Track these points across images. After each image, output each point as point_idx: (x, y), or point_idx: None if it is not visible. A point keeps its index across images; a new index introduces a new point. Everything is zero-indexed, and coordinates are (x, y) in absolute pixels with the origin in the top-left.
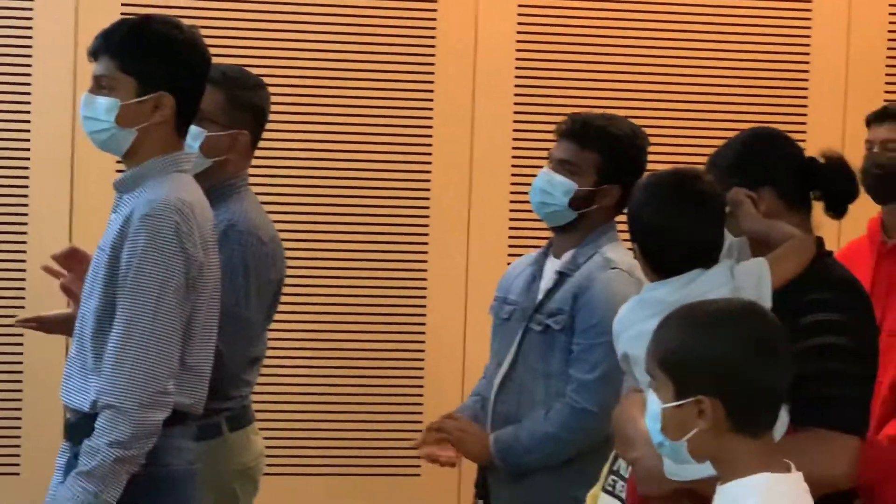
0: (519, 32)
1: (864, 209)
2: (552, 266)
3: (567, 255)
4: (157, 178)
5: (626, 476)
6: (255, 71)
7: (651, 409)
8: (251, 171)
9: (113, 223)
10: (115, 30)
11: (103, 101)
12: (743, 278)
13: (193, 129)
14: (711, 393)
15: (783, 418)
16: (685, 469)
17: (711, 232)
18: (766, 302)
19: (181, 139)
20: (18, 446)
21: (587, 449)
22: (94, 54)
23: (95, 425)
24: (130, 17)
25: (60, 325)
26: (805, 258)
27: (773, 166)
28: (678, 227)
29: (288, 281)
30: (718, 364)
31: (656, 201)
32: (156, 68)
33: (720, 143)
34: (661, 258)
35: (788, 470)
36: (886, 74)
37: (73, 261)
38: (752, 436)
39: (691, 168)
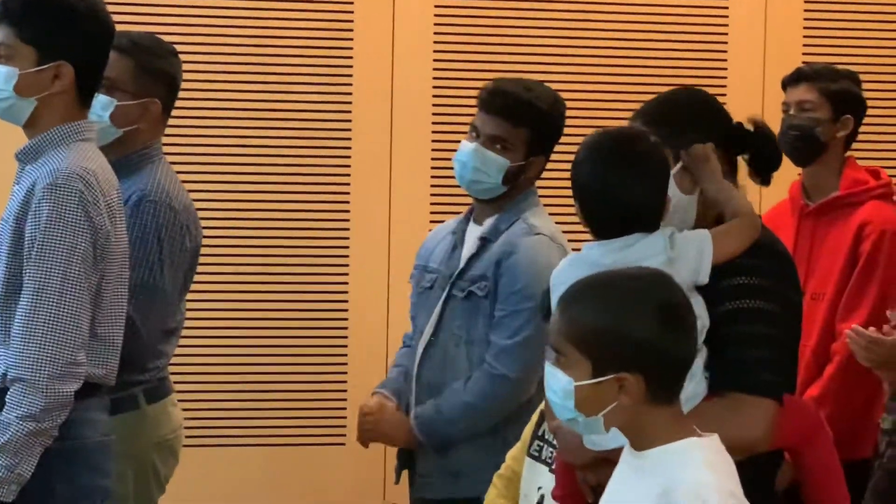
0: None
1: (787, 173)
2: (474, 232)
3: (489, 222)
4: (60, 148)
5: (552, 441)
6: (169, 39)
7: (559, 386)
8: (167, 140)
9: (16, 194)
10: None
11: (2, 70)
12: (683, 248)
13: (103, 98)
14: (632, 369)
15: (699, 387)
16: (605, 439)
17: (652, 195)
18: (704, 277)
19: (84, 108)
20: None
21: (512, 416)
22: None
23: (6, 399)
24: None
25: None
26: (749, 239)
27: (708, 128)
28: (617, 189)
29: (207, 251)
30: (638, 341)
31: (597, 162)
32: (55, 37)
33: (637, 107)
34: (600, 220)
35: (699, 435)
36: (805, 37)
37: None
38: (668, 404)
39: (637, 128)
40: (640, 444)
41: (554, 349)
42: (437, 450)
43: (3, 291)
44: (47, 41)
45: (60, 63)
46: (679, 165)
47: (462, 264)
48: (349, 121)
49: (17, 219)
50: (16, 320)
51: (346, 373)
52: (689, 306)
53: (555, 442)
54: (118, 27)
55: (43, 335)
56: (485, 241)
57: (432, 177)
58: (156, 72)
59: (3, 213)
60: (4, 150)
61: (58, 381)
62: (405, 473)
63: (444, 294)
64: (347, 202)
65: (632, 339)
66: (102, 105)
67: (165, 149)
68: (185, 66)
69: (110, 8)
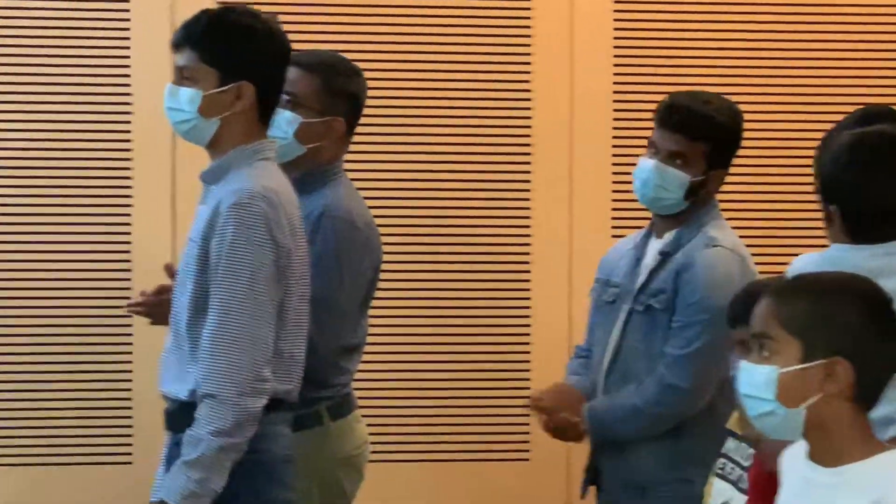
0: (616, 11)
1: None
2: (655, 246)
3: (670, 235)
4: (242, 168)
5: (736, 458)
6: (351, 58)
7: (759, 378)
8: (350, 157)
9: (201, 214)
10: (195, 21)
11: (186, 92)
12: None
13: (288, 114)
14: (843, 354)
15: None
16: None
17: None
18: None
19: (264, 127)
20: (130, 435)
21: (697, 428)
22: (177, 46)
23: (196, 415)
24: (212, 8)
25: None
26: None
27: None
28: (881, 191)
29: (389, 267)
30: (852, 325)
31: (859, 162)
32: (235, 58)
33: (820, 118)
34: (859, 221)
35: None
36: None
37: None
38: (867, 408)
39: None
40: (829, 452)
41: (759, 335)
42: (614, 451)
43: (191, 309)
44: (228, 62)
45: (242, 83)
46: None
47: (643, 278)
48: (529, 136)
49: (203, 238)
50: (203, 337)
51: (528, 388)
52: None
53: (739, 459)
54: (298, 46)
55: (231, 352)
56: (665, 255)
57: (613, 190)
58: (340, 90)
59: (190, 233)
60: (190, 170)
61: (246, 396)
62: (592, 489)
63: (627, 308)
64: (528, 216)
65: (845, 323)
66: (287, 121)
67: (351, 165)
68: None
69: (289, 28)
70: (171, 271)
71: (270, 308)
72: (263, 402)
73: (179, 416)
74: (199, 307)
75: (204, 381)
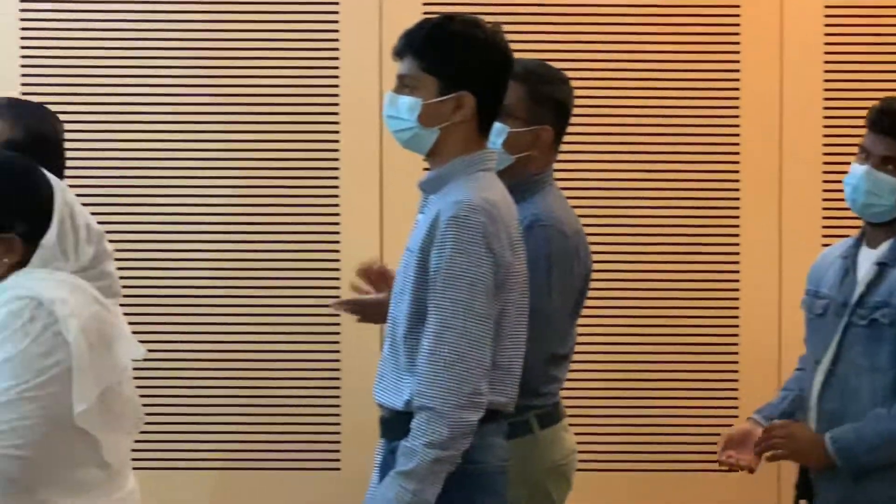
0: (826, 17)
1: None
2: (868, 257)
3: (885, 246)
4: (462, 178)
5: None
6: (558, 66)
7: None
8: (558, 165)
9: (420, 224)
10: (417, 30)
11: (406, 101)
12: None
13: (496, 125)
14: None
15: None
16: None
17: None
18: None
19: (484, 138)
20: (339, 442)
21: None
22: (399, 54)
23: (412, 426)
24: (433, 16)
25: (373, 310)
26: None
27: None
28: None
29: (597, 276)
30: None
31: None
32: (456, 67)
33: None
34: None
35: None
36: (826, 45)
37: (380, 280)
38: None
39: None
40: None
41: None
42: (853, 476)
43: (409, 319)
44: (449, 71)
45: (462, 93)
46: None
47: (861, 290)
48: (737, 143)
49: (421, 249)
50: (421, 349)
51: (737, 398)
52: None
53: None
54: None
55: (448, 365)
56: (883, 267)
57: (824, 199)
58: (547, 99)
59: (409, 243)
60: (397, 171)
61: (462, 409)
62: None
63: (844, 322)
64: (737, 225)
65: None
66: (496, 132)
67: (560, 174)
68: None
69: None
70: (374, 272)
71: (488, 321)
72: (479, 415)
73: (394, 424)
74: (417, 318)
75: (421, 393)
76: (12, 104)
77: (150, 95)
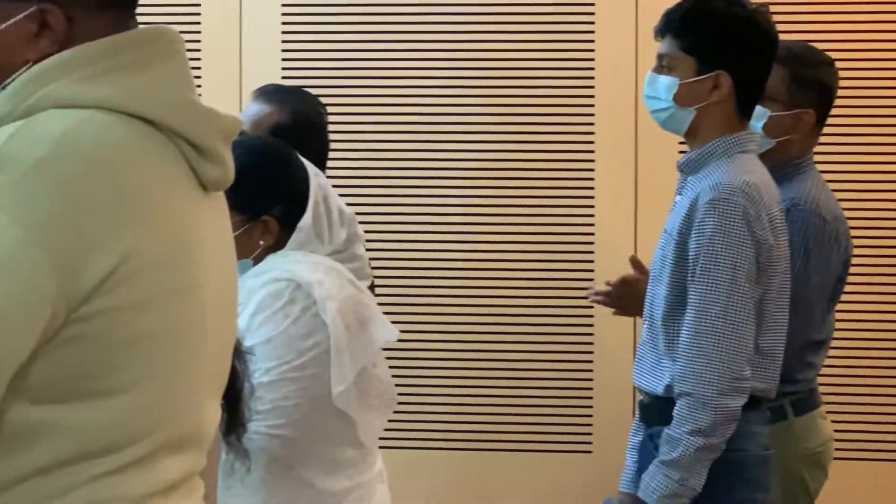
0: None
1: None
2: None
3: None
4: (722, 160)
5: None
6: (822, 48)
7: None
8: (817, 149)
9: (678, 206)
10: (677, 8)
11: (664, 80)
12: None
13: (757, 109)
14: None
15: None
16: None
17: None
18: None
19: (745, 119)
20: (591, 424)
21: None
22: (659, 33)
23: (674, 413)
24: None
25: (628, 302)
26: None
27: None
28: None
29: (857, 261)
30: None
31: None
32: (714, 47)
33: None
34: None
35: None
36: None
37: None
38: None
39: None
40: None
41: None
42: None
43: (667, 303)
44: (706, 51)
45: (719, 73)
46: None
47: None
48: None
49: (680, 232)
50: (682, 335)
51: None
52: None
53: None
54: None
55: (709, 351)
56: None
57: None
58: (810, 82)
59: (667, 226)
60: (653, 157)
61: (725, 396)
62: None
63: None
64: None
65: None
66: (756, 115)
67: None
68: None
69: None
70: (636, 263)
71: (750, 306)
72: (742, 401)
73: (654, 410)
74: (676, 301)
75: (682, 379)
76: (279, 89)
77: (406, 87)
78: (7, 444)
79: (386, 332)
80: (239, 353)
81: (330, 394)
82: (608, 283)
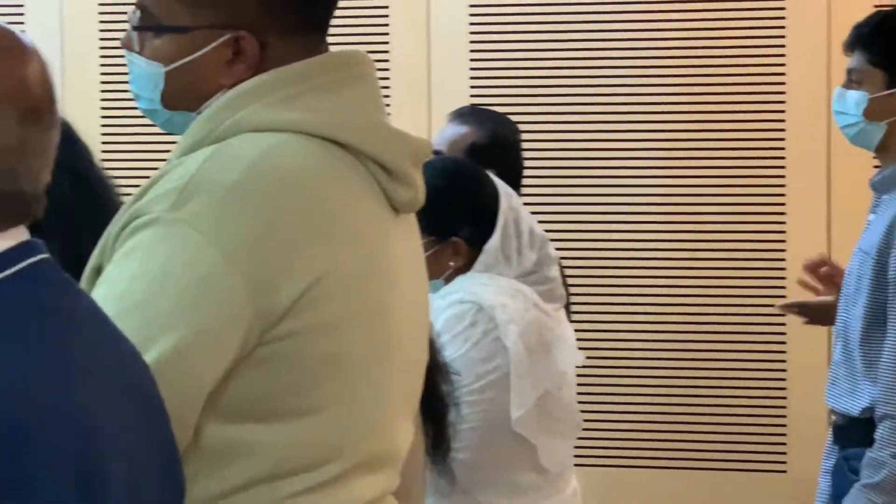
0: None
1: None
2: None
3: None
4: None
5: None
6: None
7: None
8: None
9: (874, 225)
10: (866, 22)
11: (853, 95)
12: None
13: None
14: None
15: None
16: None
17: None
18: None
19: None
20: (784, 444)
21: None
22: (849, 47)
23: (876, 436)
24: (885, 8)
25: (821, 313)
26: None
27: None
28: None
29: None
30: None
31: None
32: None
33: None
34: None
35: None
36: None
37: (828, 280)
38: None
39: None
40: None
41: None
42: None
43: (864, 323)
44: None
45: None
46: None
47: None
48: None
49: (879, 252)
50: (883, 356)
51: None
52: None
53: None
54: None
55: None
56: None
57: None
58: None
59: (861, 244)
60: (844, 170)
61: None
62: None
63: None
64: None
65: None
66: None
67: None
68: None
69: None
70: (822, 273)
71: None
72: None
73: (849, 431)
74: (873, 321)
75: (884, 401)
76: (474, 110)
77: (597, 105)
78: (204, 463)
79: (570, 355)
80: (444, 373)
81: (509, 418)
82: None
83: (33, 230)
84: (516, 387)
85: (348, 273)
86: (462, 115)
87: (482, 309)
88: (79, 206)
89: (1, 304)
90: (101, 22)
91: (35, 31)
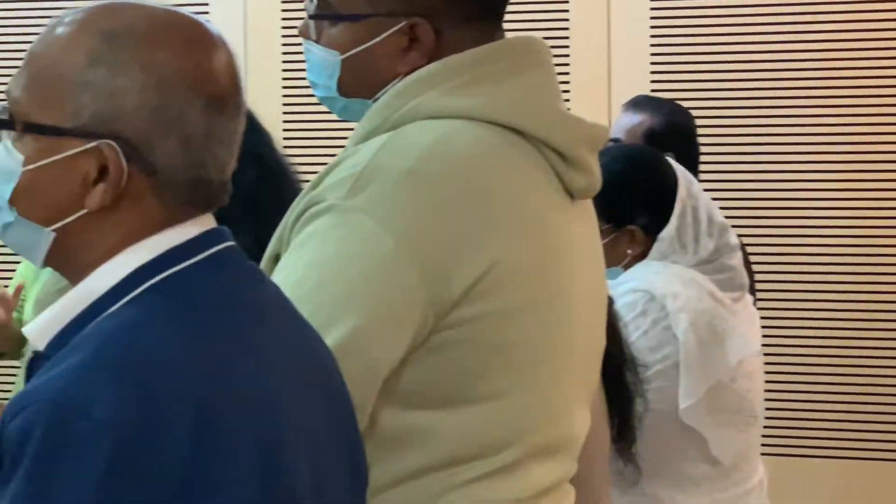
0: None
1: None
2: None
3: None
4: None
5: None
6: None
7: None
8: None
9: None
10: None
11: None
12: None
13: None
14: None
15: None
16: None
17: None
18: None
19: None
20: None
21: None
22: None
23: None
24: None
25: None
26: None
27: None
28: None
29: None
30: None
31: None
32: None
33: None
34: None
35: None
36: None
37: None
38: None
39: None
40: None
41: None
42: None
43: None
44: None
45: None
46: None
47: None
48: None
49: None
50: None
51: None
52: None
53: None
54: None
55: None
56: None
57: None
58: None
59: None
60: None
61: None
62: None
63: None
64: None
65: None
66: None
67: None
68: None
69: None
70: None
71: None
72: None
73: None
74: None
75: None
76: (649, 99)
77: (779, 90)
78: (382, 449)
79: (744, 346)
80: (631, 363)
81: (677, 408)
82: None
83: (220, 218)
84: (685, 377)
85: (523, 260)
86: (637, 103)
87: (653, 297)
88: (264, 192)
89: (185, 292)
90: (284, 10)
91: (219, 19)
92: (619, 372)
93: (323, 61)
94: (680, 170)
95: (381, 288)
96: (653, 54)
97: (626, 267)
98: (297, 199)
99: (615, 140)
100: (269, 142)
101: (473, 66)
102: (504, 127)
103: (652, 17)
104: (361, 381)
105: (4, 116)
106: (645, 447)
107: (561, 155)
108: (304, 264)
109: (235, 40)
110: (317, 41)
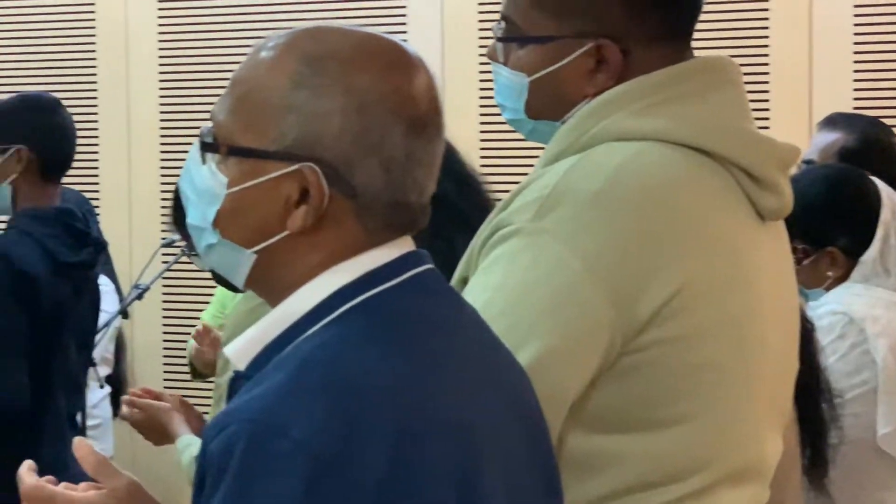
0: None
1: None
2: None
3: None
4: None
5: None
6: None
7: None
8: None
9: None
10: None
11: None
12: None
13: None
14: None
15: None
16: None
17: None
18: None
19: None
20: None
21: None
22: None
23: None
24: None
25: None
26: None
27: None
28: None
29: None
30: None
31: None
32: None
33: None
34: None
35: None
36: None
37: None
38: None
39: None
40: None
41: None
42: None
43: None
44: None
45: None
46: None
47: None
48: None
49: None
50: None
51: None
52: None
53: None
54: None
55: None
56: None
57: None
58: None
59: None
60: None
61: None
62: None
63: None
64: None
65: None
66: None
67: None
68: None
69: None
70: None
71: None
72: None
73: None
74: None
75: None
76: (844, 116)
77: None
78: (569, 473)
79: None
80: (827, 391)
81: (874, 435)
82: None
83: (433, 236)
84: (884, 403)
85: (711, 282)
86: (831, 121)
87: (852, 321)
88: (470, 208)
89: (385, 314)
90: (481, 30)
91: (417, 40)
92: (814, 401)
93: (511, 83)
94: (886, 191)
95: (569, 310)
96: (856, 70)
97: (828, 288)
98: (486, 223)
99: (808, 161)
100: (462, 158)
101: (661, 87)
102: (692, 147)
103: (856, 33)
104: (550, 403)
105: (209, 139)
106: (840, 476)
107: (751, 176)
108: (492, 287)
109: (433, 61)
110: (505, 63)
